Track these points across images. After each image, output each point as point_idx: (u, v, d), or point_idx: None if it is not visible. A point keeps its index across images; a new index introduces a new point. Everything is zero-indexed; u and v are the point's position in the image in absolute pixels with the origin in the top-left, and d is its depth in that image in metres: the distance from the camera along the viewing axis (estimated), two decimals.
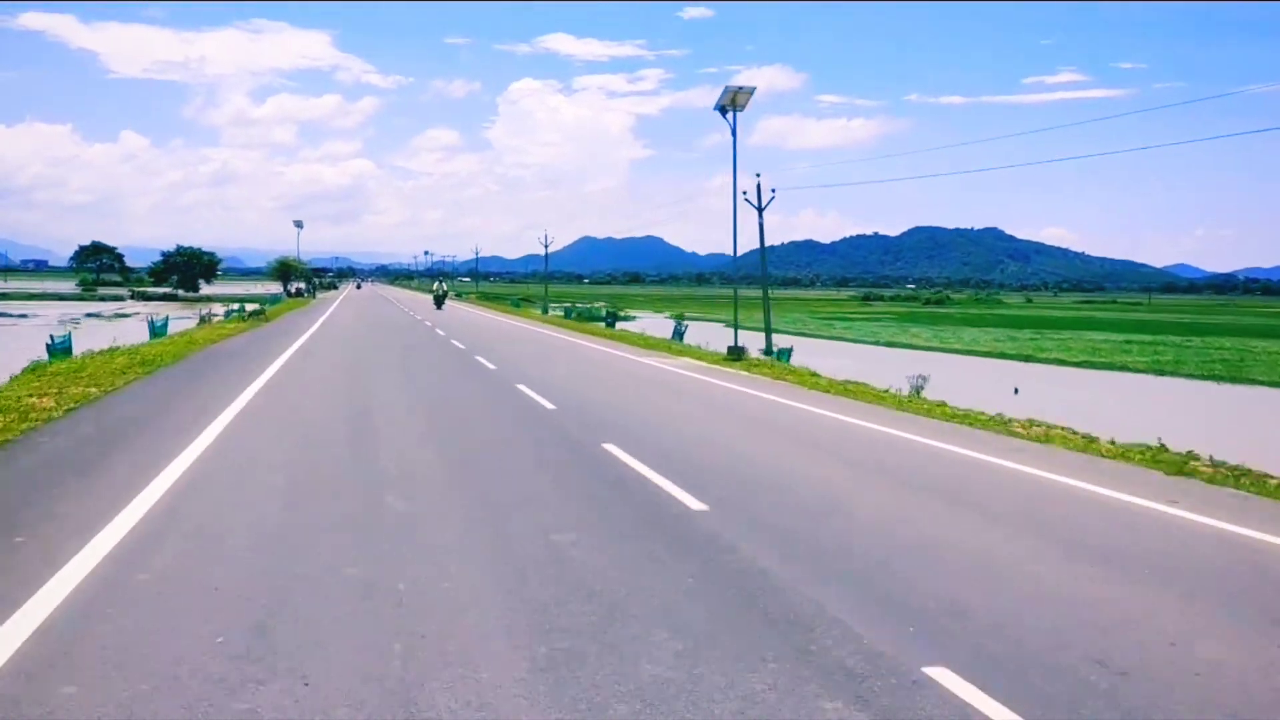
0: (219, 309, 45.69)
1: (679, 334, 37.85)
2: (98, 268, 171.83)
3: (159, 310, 59.62)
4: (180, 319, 40.64)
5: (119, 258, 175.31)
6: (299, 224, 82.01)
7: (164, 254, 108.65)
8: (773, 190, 33.36)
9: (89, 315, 60.53)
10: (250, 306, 38.77)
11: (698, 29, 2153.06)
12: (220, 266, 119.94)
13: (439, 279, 65.87)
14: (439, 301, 57.60)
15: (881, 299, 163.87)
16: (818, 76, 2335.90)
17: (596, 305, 70.16)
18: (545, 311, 67.95)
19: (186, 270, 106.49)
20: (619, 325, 50.19)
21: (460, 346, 28.07)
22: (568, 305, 78.18)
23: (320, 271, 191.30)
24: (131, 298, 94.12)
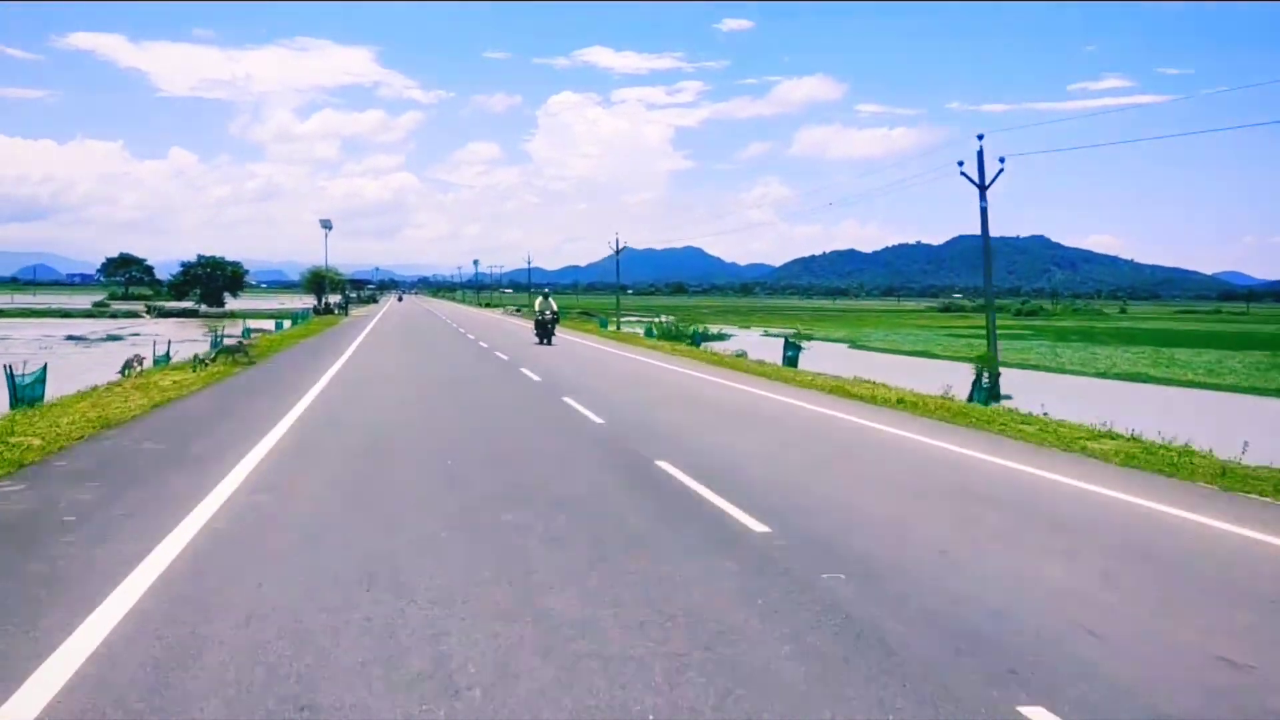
0: (232, 330, 36.53)
1: (792, 360, 27.79)
2: (126, 280, 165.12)
3: (174, 330, 50.07)
4: (185, 342, 31.07)
5: (148, 270, 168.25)
6: (326, 224, 70.80)
7: (184, 265, 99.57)
8: (1000, 161, 23.46)
9: (71, 338, 51.30)
10: (231, 339, 26.76)
11: (736, 41, 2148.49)
12: (249, 277, 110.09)
13: (543, 294, 36.10)
14: (545, 331, 33.70)
15: (964, 310, 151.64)
16: (857, 86, 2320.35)
17: (660, 319, 60.33)
18: (618, 327, 57.83)
19: (209, 283, 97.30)
20: (708, 344, 40.51)
21: (582, 410, 18.01)
22: (632, 317, 67.91)
23: (359, 283, 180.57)
24: (148, 314, 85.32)
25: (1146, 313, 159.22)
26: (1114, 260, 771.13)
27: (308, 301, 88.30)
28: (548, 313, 33.89)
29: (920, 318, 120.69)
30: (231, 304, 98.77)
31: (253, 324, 45.12)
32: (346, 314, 66.99)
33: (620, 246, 56.74)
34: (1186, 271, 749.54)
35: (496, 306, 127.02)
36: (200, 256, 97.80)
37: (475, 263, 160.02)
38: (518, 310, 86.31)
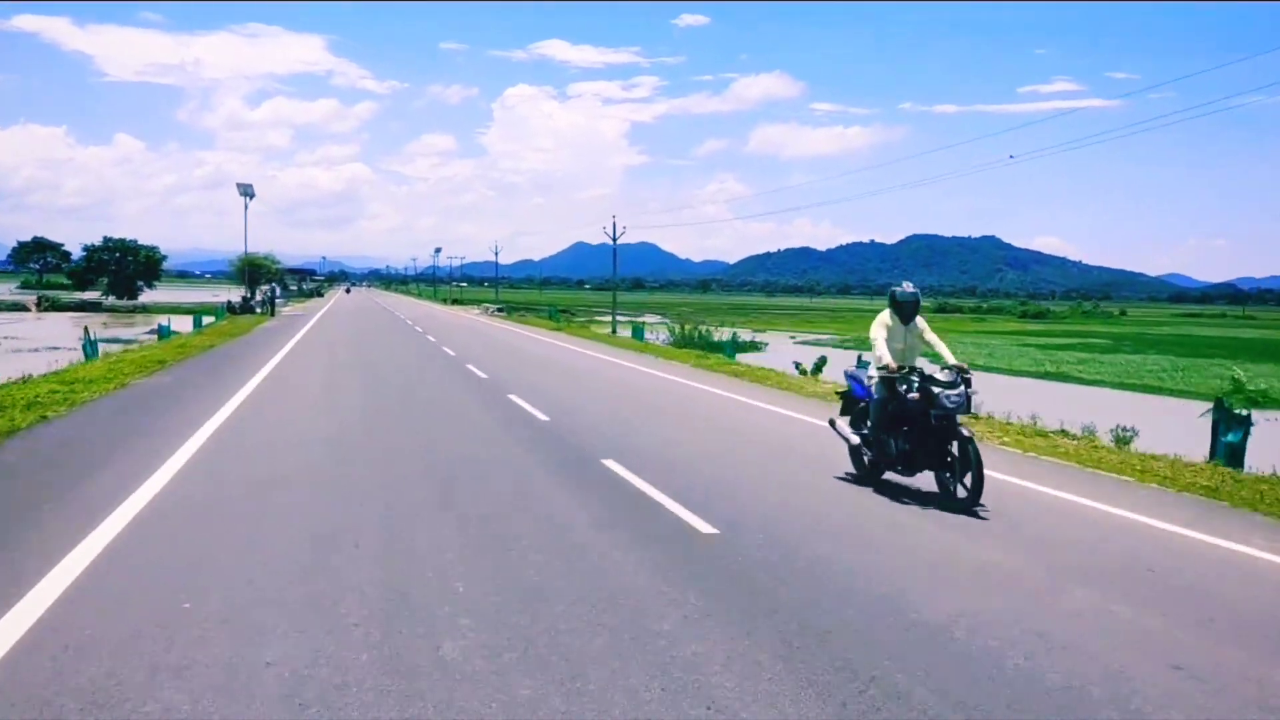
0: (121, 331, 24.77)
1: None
2: (41, 268, 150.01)
3: (50, 330, 38.14)
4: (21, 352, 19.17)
5: (65, 256, 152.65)
6: (247, 190, 54.95)
7: (86, 249, 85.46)
8: None
9: None
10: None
11: (693, 37, 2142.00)
12: (183, 266, 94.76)
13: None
14: None
15: (961, 311, 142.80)
16: (813, 85, 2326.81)
17: (669, 323, 49.35)
18: (612, 330, 46.77)
19: (119, 271, 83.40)
20: (737, 358, 30.13)
21: (628, 475, 7.45)
22: (622, 316, 56.38)
23: (302, 273, 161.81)
24: (37, 307, 71.57)
25: (1148, 316, 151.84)
26: (1063, 261, 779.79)
27: (234, 295, 75.46)
28: None
29: (949, 321, 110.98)
30: (147, 296, 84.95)
31: (166, 321, 34.29)
32: (273, 313, 51.80)
33: (620, 231, 45.95)
34: (1133, 273, 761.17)
35: (465, 304, 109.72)
36: (107, 239, 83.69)
37: (437, 251, 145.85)
38: (500, 309, 72.36)
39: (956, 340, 62.52)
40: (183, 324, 38.55)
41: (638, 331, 40.25)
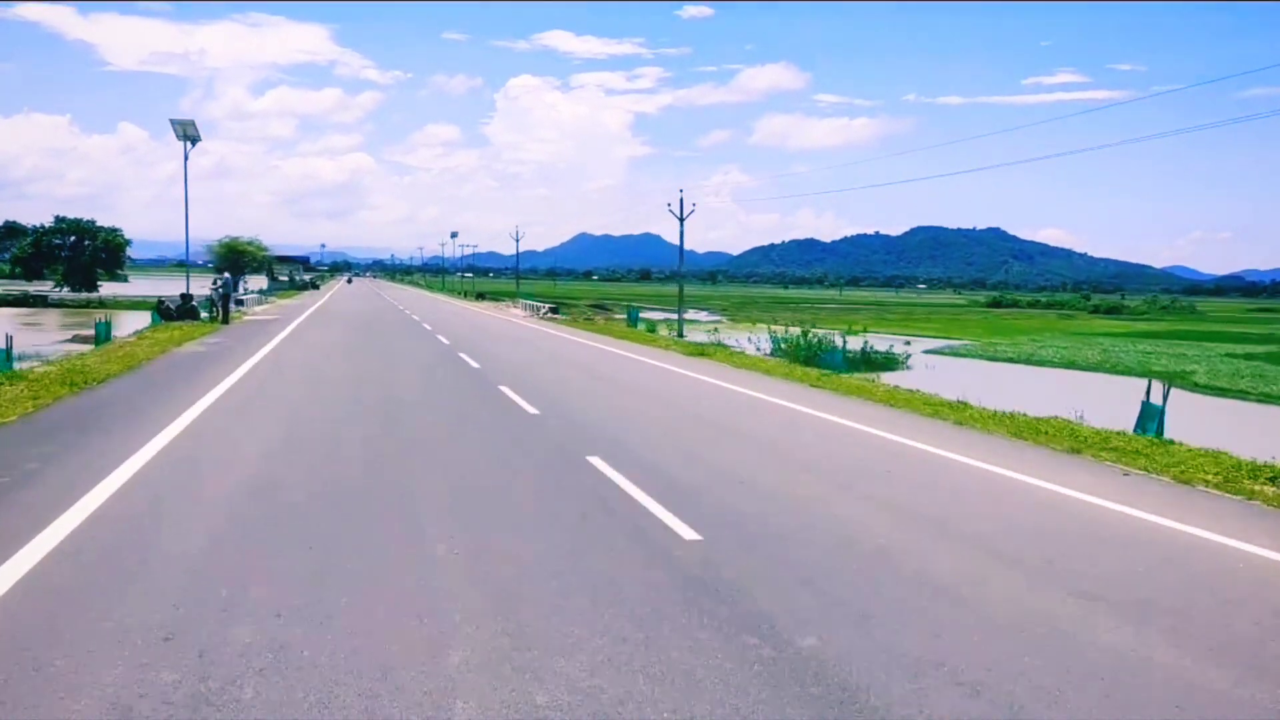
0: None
1: None
2: (12, 258, 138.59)
3: None
4: None
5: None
6: (188, 131, 39.94)
7: (35, 230, 73.33)
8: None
9: None
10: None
11: (697, 28, 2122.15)
12: (130, 249, 79.56)
13: None
14: None
15: (1017, 305, 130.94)
16: (818, 76, 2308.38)
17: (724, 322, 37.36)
18: (681, 333, 35.31)
19: (73, 258, 71.24)
20: (869, 374, 21.79)
21: None
22: (657, 313, 44.15)
23: (293, 262, 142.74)
24: None
25: (1219, 310, 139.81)
26: (1068, 253, 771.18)
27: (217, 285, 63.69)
28: None
29: (1015, 317, 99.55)
30: (108, 289, 71.79)
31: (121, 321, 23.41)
32: (225, 320, 34.46)
33: (684, 211, 34.54)
34: (1138, 265, 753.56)
35: (489, 299, 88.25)
36: (59, 219, 71.18)
37: (453, 235, 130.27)
38: (551, 310, 54.32)
39: (1116, 345, 51.37)
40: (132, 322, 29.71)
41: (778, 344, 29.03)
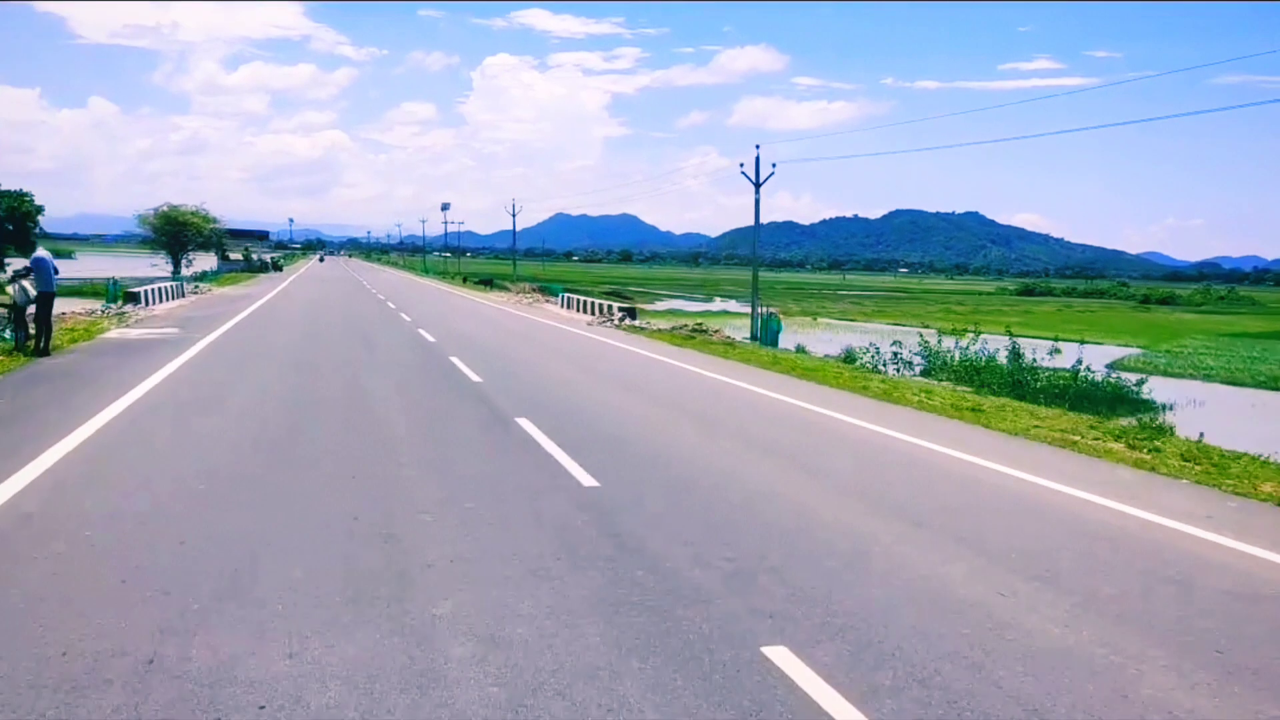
0: None
1: None
2: None
3: None
4: None
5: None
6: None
7: None
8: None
9: None
10: None
11: (676, 8, 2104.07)
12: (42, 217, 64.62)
13: None
14: None
15: (1052, 293, 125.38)
16: (796, 59, 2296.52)
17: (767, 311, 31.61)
18: (759, 336, 29.71)
19: None
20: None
21: None
22: (659, 302, 39.18)
23: (249, 236, 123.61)
24: None
25: (1274, 299, 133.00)
26: (1046, 238, 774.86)
27: (158, 265, 57.89)
28: None
29: (1034, 305, 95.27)
30: (14, 265, 62.56)
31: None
32: (38, 350, 16.82)
33: (766, 175, 30.00)
34: (1114, 251, 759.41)
35: (495, 285, 72.77)
36: None
37: (445, 206, 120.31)
38: (628, 315, 36.15)
39: (1234, 346, 46.99)
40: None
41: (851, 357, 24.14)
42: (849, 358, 25.72)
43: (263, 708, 4.15)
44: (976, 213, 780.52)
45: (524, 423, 11.59)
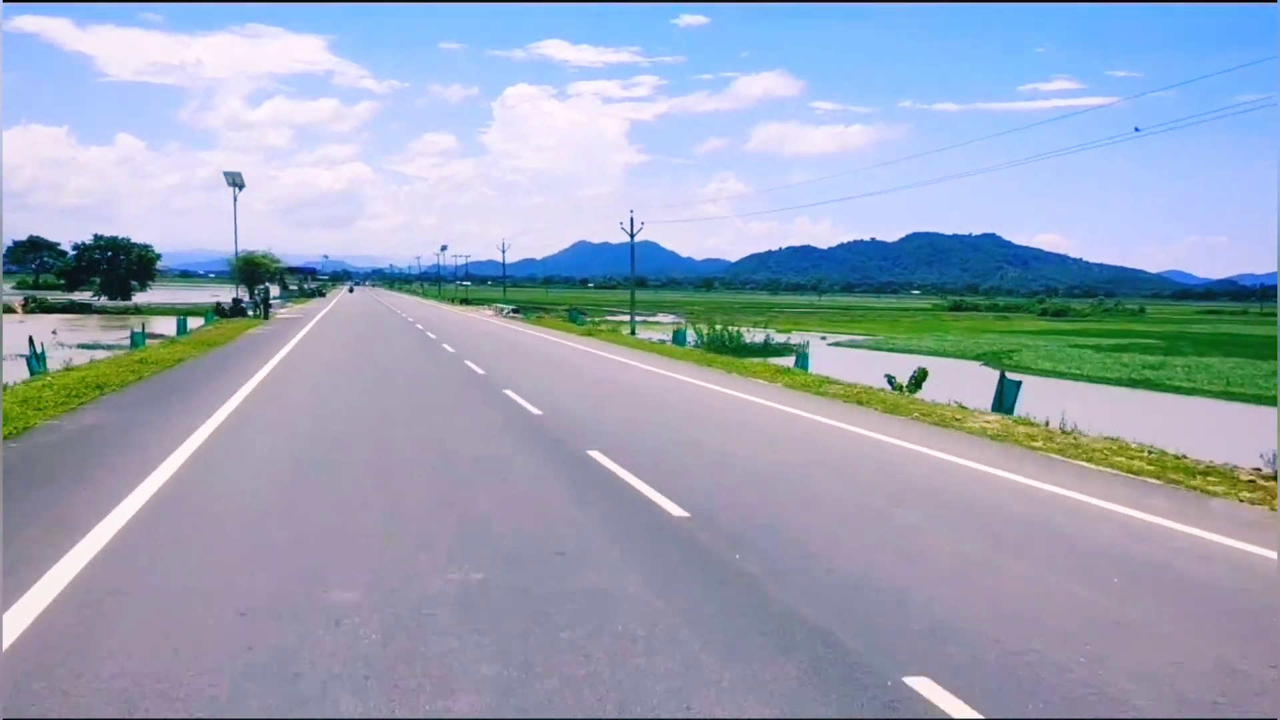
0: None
1: None
2: (37, 267, 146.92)
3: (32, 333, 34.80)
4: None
5: (62, 255, 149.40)
6: (235, 179, 51.93)
7: (77, 247, 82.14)
8: None
9: None
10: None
11: (693, 36, 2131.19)
12: (166, 263, 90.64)
13: None
14: None
15: (977, 309, 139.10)
16: (813, 84, 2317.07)
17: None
18: (633, 331, 42.81)
19: (110, 270, 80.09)
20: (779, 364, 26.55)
21: None
22: (649, 319, 52.55)
23: (302, 273, 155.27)
24: (23, 309, 68.08)
25: (1172, 314, 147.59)
26: (1063, 259, 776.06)
27: (240, 295, 72.02)
28: None
29: (974, 319, 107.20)
30: (143, 296, 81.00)
31: (158, 325, 31.67)
32: (267, 316, 49.71)
33: (634, 229, 42.29)
34: (1132, 270, 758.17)
35: (474, 304, 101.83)
36: (98, 237, 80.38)
37: (443, 248, 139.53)
38: (514, 310, 68.42)
39: (1002, 340, 59.33)
40: (170, 326, 35.42)
41: (679, 336, 36.95)
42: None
43: None
44: (994, 234, 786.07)
45: (418, 326, 28.74)
